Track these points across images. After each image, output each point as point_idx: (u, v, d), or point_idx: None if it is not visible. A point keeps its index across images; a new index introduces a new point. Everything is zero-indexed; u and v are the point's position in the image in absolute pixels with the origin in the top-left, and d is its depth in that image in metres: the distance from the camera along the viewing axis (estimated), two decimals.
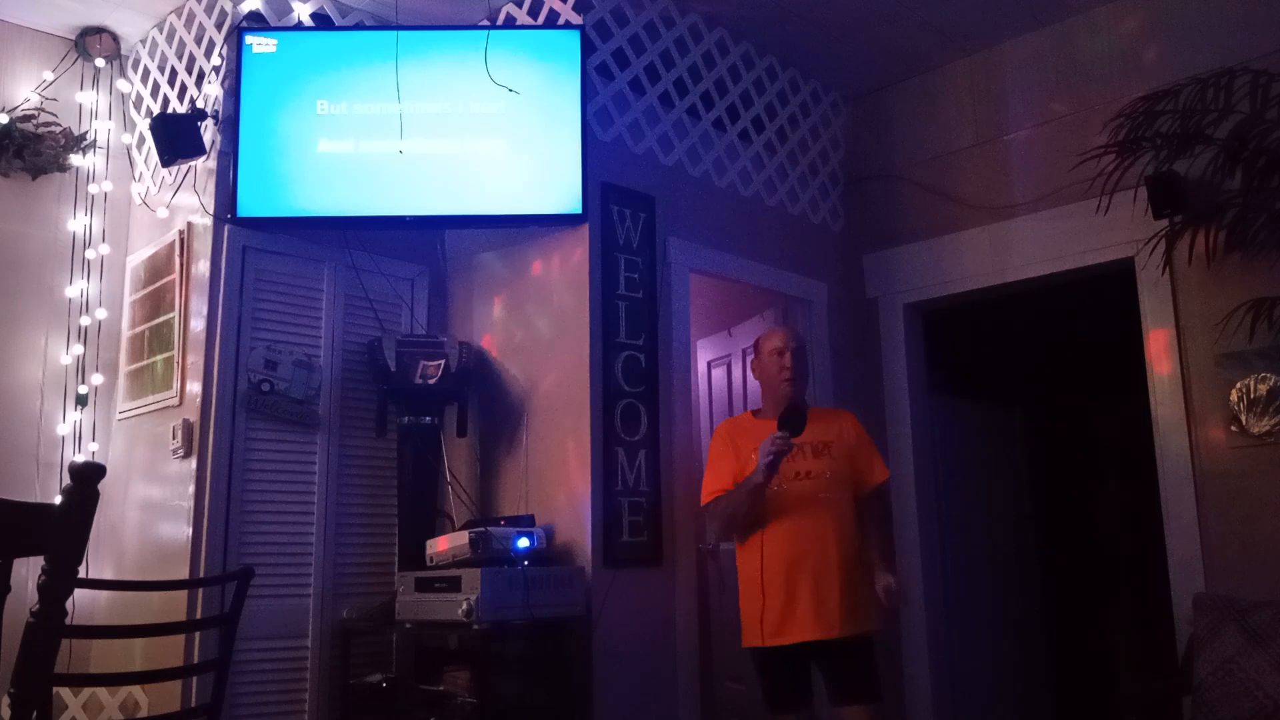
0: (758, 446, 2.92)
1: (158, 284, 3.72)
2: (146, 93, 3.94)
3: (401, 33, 3.54)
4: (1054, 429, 5.65)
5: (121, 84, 4.05)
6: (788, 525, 2.94)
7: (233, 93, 3.52)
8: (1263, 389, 3.35)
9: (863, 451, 3.16)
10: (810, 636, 2.87)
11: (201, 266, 3.50)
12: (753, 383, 4.52)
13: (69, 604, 1.48)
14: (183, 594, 3.18)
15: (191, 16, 3.73)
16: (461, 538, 3.24)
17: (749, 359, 4.46)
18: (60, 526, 1.43)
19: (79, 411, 3.80)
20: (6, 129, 3.72)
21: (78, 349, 3.83)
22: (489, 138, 3.55)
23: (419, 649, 3.43)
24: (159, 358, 3.64)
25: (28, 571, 2.19)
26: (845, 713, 2.86)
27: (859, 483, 3.11)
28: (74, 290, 3.85)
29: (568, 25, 3.63)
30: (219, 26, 3.61)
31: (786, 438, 2.83)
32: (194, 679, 3.07)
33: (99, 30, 3.93)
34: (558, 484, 3.51)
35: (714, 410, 4.83)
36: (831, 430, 3.09)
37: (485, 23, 3.84)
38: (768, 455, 2.82)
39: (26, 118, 3.78)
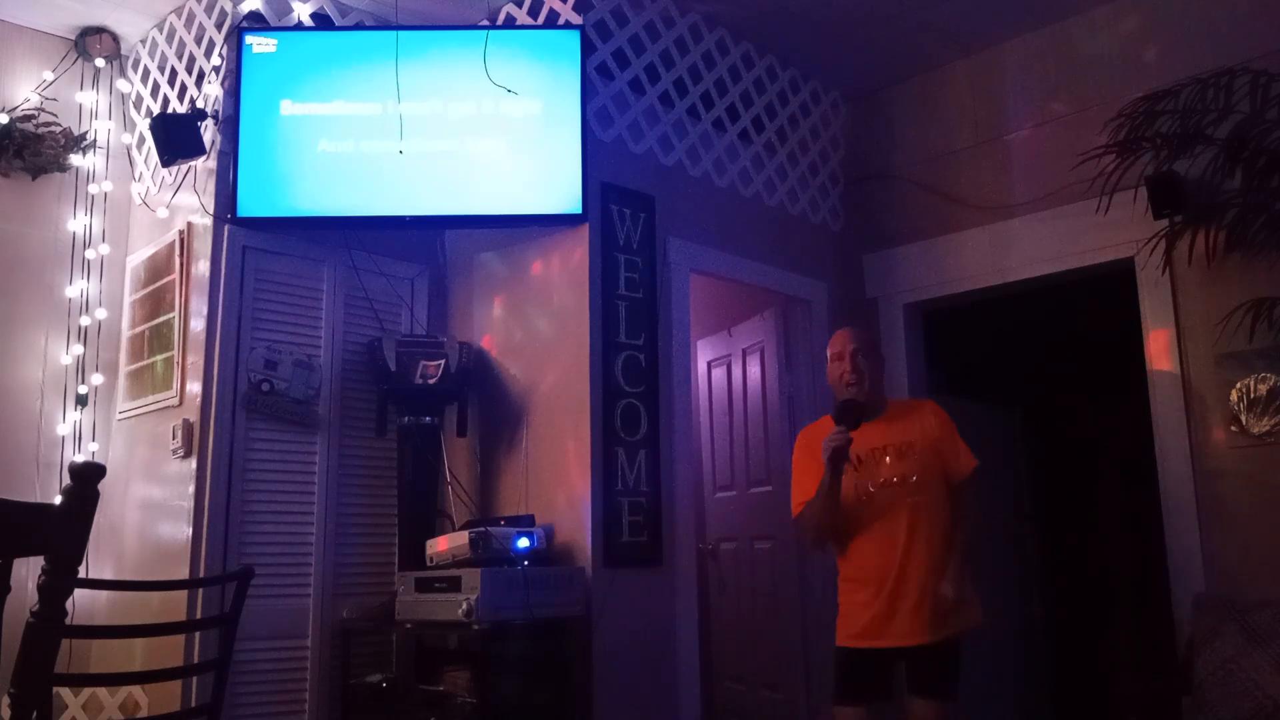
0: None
1: (158, 284, 3.72)
2: (146, 93, 3.94)
3: (401, 33, 3.54)
4: (1054, 429, 5.65)
5: (121, 84, 4.05)
6: (877, 534, 2.87)
7: (233, 93, 3.52)
8: (1263, 389, 3.35)
9: (947, 442, 3.01)
10: (898, 643, 2.84)
11: (201, 266, 3.50)
12: (752, 383, 4.57)
13: (69, 604, 1.48)
14: (183, 594, 3.18)
15: (191, 16, 3.73)
16: (461, 538, 3.24)
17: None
18: (60, 526, 1.43)
19: (79, 411, 3.80)
20: (6, 129, 3.72)
21: (78, 349, 3.83)
22: (489, 138, 3.55)
23: (419, 649, 3.43)
24: (159, 358, 3.64)
25: (28, 571, 2.19)
26: (914, 704, 2.85)
27: (950, 475, 2.97)
28: (74, 290, 3.85)
29: (568, 25, 3.63)
30: (219, 26, 3.61)
31: (844, 432, 2.79)
32: (194, 679, 3.07)
33: (99, 30, 3.93)
34: (558, 484, 3.51)
35: (714, 410, 4.83)
36: (913, 429, 2.97)
37: (485, 23, 3.84)
38: (827, 451, 2.79)
39: (26, 118, 3.78)
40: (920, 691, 2.85)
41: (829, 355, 3.07)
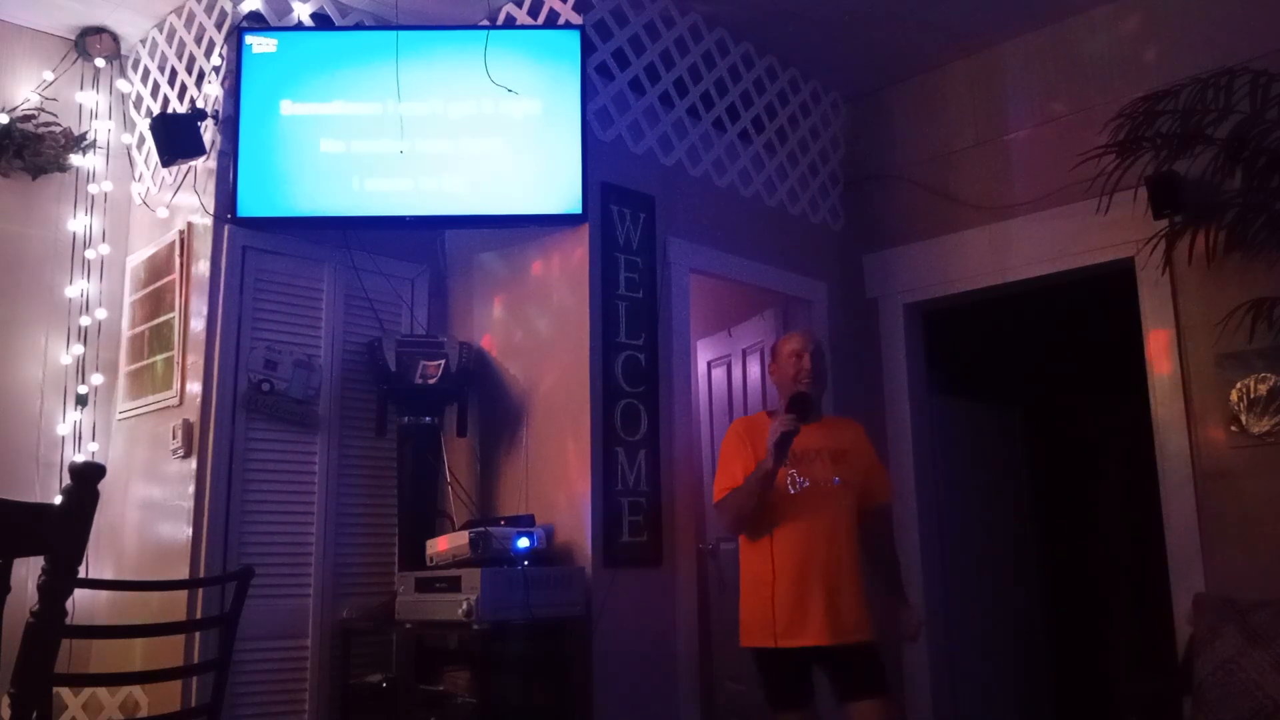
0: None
1: (158, 284, 3.72)
2: (146, 93, 3.94)
3: (401, 33, 3.54)
4: (1054, 429, 5.65)
5: (121, 84, 4.05)
6: (803, 528, 2.94)
7: (233, 93, 3.52)
8: (1263, 389, 3.35)
9: (875, 468, 3.20)
10: (819, 641, 2.87)
11: (201, 266, 3.50)
12: (752, 383, 4.55)
13: (69, 604, 1.48)
14: (183, 594, 3.18)
15: (191, 16, 3.73)
16: (461, 538, 3.24)
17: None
18: (60, 526, 1.43)
19: (79, 411, 3.80)
20: (6, 129, 3.72)
21: (78, 349, 3.83)
22: (489, 138, 3.55)
23: (419, 649, 3.43)
24: (159, 358, 3.64)
25: (28, 571, 2.18)
26: (857, 708, 2.87)
27: (867, 496, 3.10)
28: (74, 290, 3.85)
29: (568, 25, 3.63)
30: (219, 26, 3.61)
31: (795, 420, 2.84)
32: (194, 679, 3.07)
33: (99, 30, 3.93)
34: (558, 484, 3.51)
35: (714, 410, 4.83)
36: (847, 440, 3.12)
37: (485, 23, 3.84)
38: (775, 435, 2.83)
39: (26, 118, 3.78)
40: (858, 695, 2.88)
41: (785, 350, 3.16)
